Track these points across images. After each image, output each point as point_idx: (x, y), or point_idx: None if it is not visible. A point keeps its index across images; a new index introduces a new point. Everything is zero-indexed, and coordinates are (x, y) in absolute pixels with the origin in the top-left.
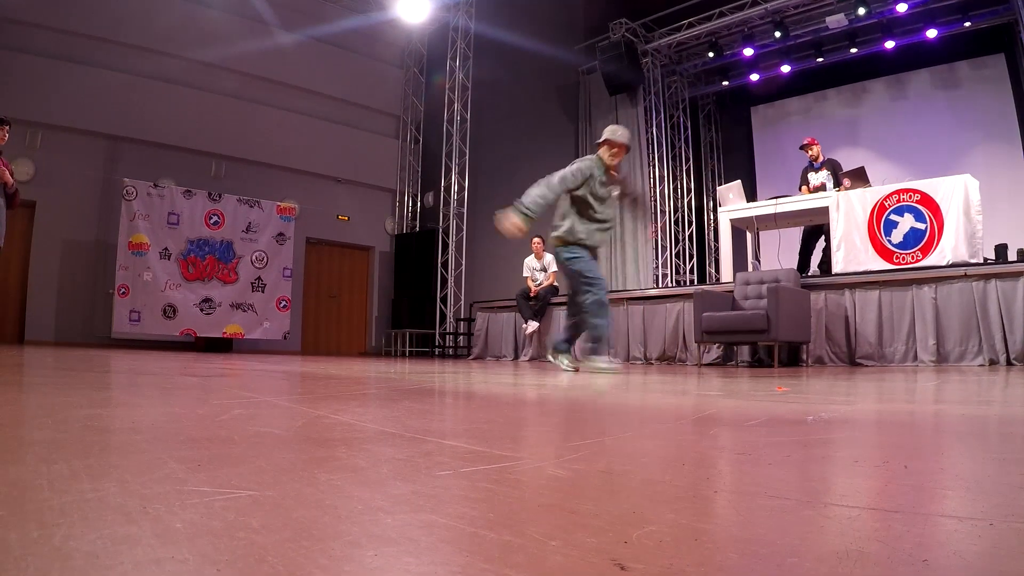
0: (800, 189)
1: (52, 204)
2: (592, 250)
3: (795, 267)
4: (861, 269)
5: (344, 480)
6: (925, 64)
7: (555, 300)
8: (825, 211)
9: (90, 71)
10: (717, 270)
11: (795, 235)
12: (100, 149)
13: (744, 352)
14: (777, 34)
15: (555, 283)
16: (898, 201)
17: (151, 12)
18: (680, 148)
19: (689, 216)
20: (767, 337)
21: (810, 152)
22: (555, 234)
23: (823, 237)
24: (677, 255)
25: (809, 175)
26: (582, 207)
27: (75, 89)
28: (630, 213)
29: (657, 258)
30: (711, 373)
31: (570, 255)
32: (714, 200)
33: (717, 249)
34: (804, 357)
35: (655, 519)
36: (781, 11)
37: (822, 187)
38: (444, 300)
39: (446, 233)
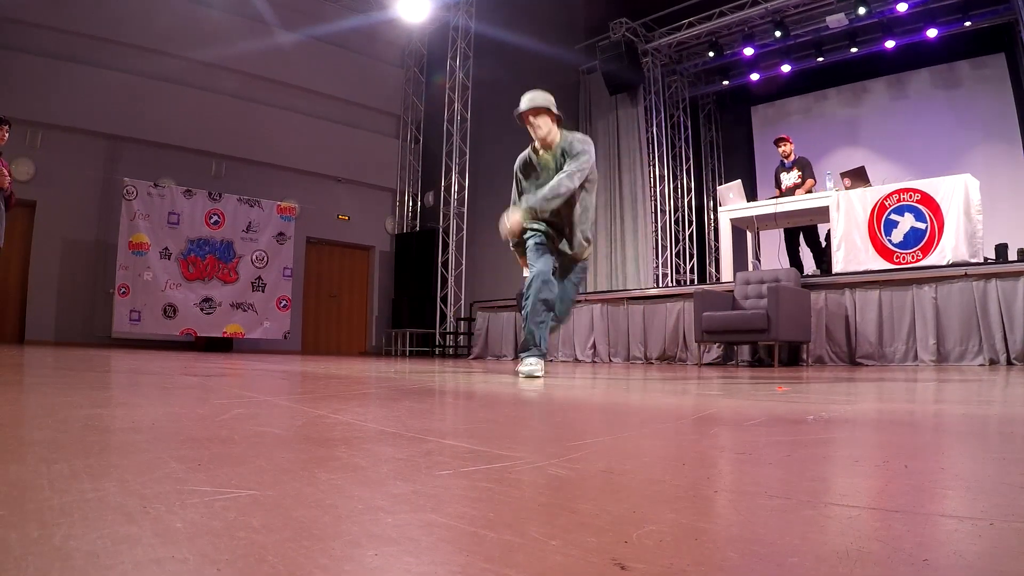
0: (776, 191)
1: (52, 204)
2: (549, 228)
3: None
4: (861, 269)
5: (344, 480)
6: (925, 64)
7: None
8: (825, 211)
9: (90, 71)
10: (717, 270)
11: None
12: (100, 149)
13: (744, 352)
14: (777, 34)
15: None
16: (898, 201)
17: (151, 12)
18: (680, 148)
19: (689, 216)
20: (767, 337)
21: (782, 148)
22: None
23: (800, 234)
24: (677, 255)
25: (781, 175)
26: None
27: (75, 89)
28: None
29: (657, 258)
30: (711, 373)
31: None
32: (714, 200)
33: (717, 249)
34: (804, 357)
35: (655, 519)
36: (781, 11)
37: (795, 187)
38: (444, 300)
39: (446, 233)
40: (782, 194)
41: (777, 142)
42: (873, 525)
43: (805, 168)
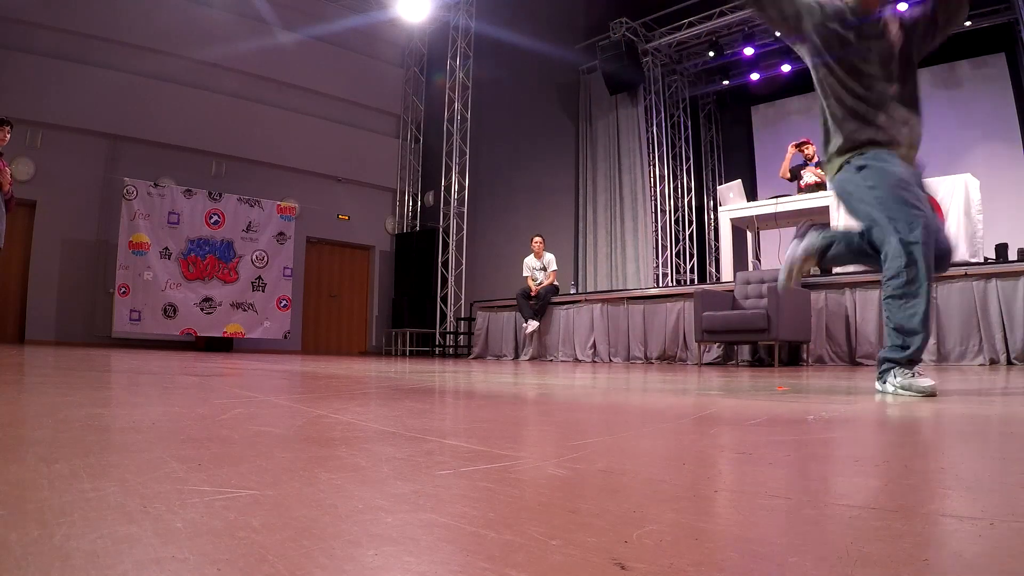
0: (798, 185)
1: (52, 204)
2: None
3: None
4: (861, 268)
5: (344, 479)
6: (925, 63)
7: (555, 300)
8: (825, 210)
9: (90, 71)
10: (717, 269)
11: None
12: (100, 149)
13: (744, 351)
14: (777, 33)
15: (555, 282)
16: None
17: (151, 12)
18: (680, 147)
19: (689, 215)
20: (767, 336)
21: (806, 151)
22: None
23: None
24: (677, 254)
25: (803, 172)
26: (839, 93)
27: (75, 89)
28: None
29: (657, 257)
30: (711, 372)
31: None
32: (714, 199)
33: (717, 248)
34: (804, 356)
35: (655, 519)
36: None
37: (816, 185)
38: (444, 299)
39: (446, 232)
40: (801, 190)
41: (800, 145)
42: (873, 525)
43: None
